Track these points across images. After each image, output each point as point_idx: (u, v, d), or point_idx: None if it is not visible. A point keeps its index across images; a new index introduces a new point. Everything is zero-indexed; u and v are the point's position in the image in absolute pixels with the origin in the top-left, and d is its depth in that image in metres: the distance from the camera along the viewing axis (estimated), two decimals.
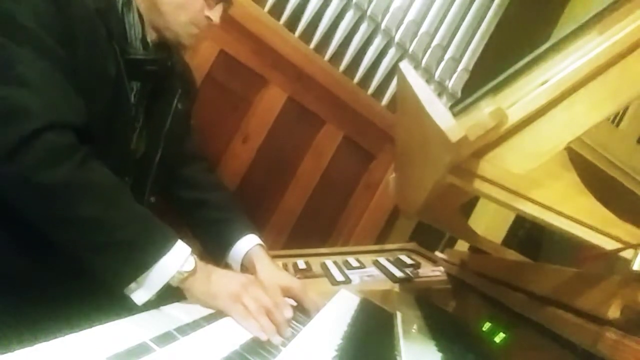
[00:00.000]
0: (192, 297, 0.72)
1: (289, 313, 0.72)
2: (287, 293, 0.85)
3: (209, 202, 1.06)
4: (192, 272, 0.71)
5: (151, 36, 0.89)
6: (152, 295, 0.69)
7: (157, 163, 0.94)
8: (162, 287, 0.69)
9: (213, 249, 1.02)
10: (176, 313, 0.64)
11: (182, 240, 0.73)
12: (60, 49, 0.73)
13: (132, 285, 0.68)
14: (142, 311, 0.60)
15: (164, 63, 0.91)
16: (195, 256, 0.73)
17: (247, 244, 0.99)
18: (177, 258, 0.70)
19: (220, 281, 0.72)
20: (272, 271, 0.94)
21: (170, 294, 0.78)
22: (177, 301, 0.68)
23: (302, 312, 0.84)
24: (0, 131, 0.65)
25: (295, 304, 0.84)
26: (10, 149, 0.64)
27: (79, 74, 0.74)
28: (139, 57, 0.85)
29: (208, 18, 0.90)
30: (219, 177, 1.20)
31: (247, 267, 0.98)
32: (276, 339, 0.64)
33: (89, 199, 0.68)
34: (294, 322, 0.73)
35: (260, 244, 1.01)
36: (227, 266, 1.01)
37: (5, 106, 0.66)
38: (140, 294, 0.68)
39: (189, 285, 0.71)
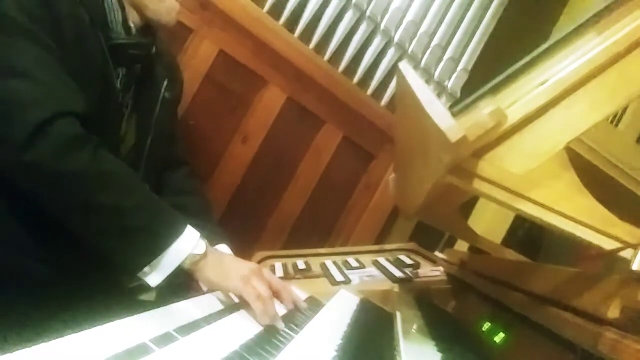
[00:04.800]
0: (203, 278, 0.75)
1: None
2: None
3: (186, 207, 1.06)
4: (204, 256, 0.74)
5: (134, 20, 0.88)
6: (165, 277, 0.72)
7: (148, 150, 0.95)
8: (175, 270, 0.72)
9: None
10: (176, 314, 0.63)
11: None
12: (50, 41, 0.73)
13: (146, 269, 0.71)
14: (142, 312, 0.59)
15: (147, 48, 0.91)
16: (206, 240, 0.76)
17: None
18: (189, 242, 0.73)
19: (232, 264, 0.76)
20: None
21: (171, 293, 0.78)
22: (177, 301, 0.68)
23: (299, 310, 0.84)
24: (9, 124, 0.66)
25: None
26: (23, 139, 0.65)
27: (70, 66, 0.74)
28: (122, 41, 0.84)
29: None
30: (200, 183, 1.24)
31: None
32: (279, 325, 0.68)
33: (105, 187, 0.70)
34: (292, 324, 0.73)
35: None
36: None
37: (8, 99, 0.67)
38: (154, 277, 0.72)
39: (201, 267, 0.74)
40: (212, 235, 1.02)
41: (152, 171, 0.98)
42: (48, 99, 0.69)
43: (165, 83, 0.98)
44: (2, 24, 0.70)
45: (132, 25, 0.87)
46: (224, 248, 1.02)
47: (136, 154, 0.93)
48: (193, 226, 0.98)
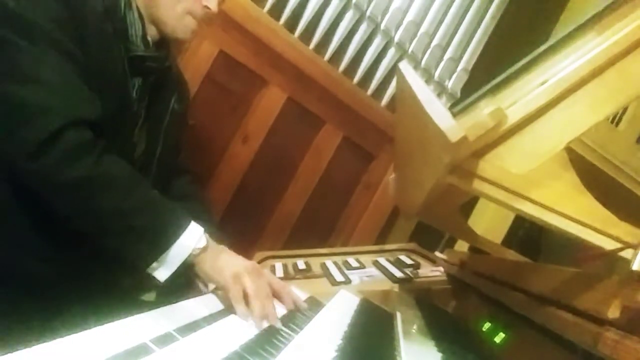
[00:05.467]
0: (201, 271, 0.77)
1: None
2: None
3: (188, 210, 1.08)
4: (204, 249, 0.77)
5: (151, 34, 0.91)
6: (172, 272, 0.75)
7: (158, 157, 0.98)
8: (181, 264, 0.75)
9: None
10: (175, 314, 0.63)
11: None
12: (74, 48, 0.75)
13: (154, 264, 0.73)
14: (142, 312, 0.60)
15: (162, 61, 0.94)
16: (207, 235, 0.78)
17: None
18: (192, 237, 0.76)
19: (227, 259, 0.78)
20: None
21: (171, 293, 0.78)
22: (177, 301, 0.69)
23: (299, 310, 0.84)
24: (21, 130, 0.68)
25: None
26: (33, 148, 0.67)
27: (91, 74, 0.77)
28: (140, 53, 0.87)
29: (206, 7, 0.92)
30: (201, 189, 1.27)
31: None
32: (262, 325, 0.67)
33: (110, 190, 0.73)
34: (292, 324, 0.73)
35: None
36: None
37: (23, 105, 0.69)
38: (161, 271, 0.74)
39: (200, 260, 0.77)
40: (211, 237, 1.05)
41: (161, 177, 1.01)
42: (62, 107, 0.71)
43: (175, 95, 1.02)
44: (27, 30, 0.71)
45: (149, 39, 0.90)
46: None
47: (146, 161, 0.96)
48: None
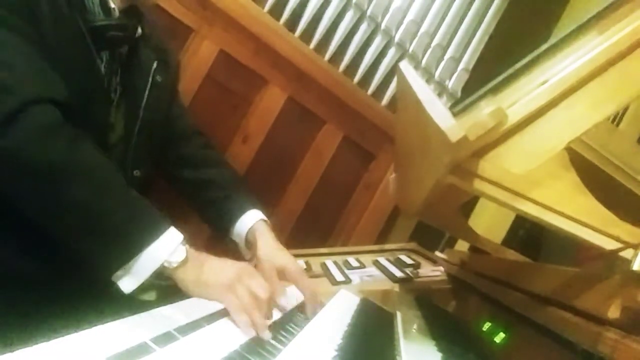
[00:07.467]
0: (185, 287, 0.70)
1: (284, 302, 0.73)
2: (282, 275, 0.86)
3: (211, 180, 1.04)
4: (183, 262, 0.69)
5: (115, 1, 0.84)
6: (139, 283, 0.67)
7: (136, 135, 0.90)
8: (150, 276, 0.67)
9: (217, 228, 1.03)
10: (176, 313, 0.63)
11: (176, 228, 0.70)
12: (30, 29, 0.70)
13: (119, 272, 0.66)
14: (142, 311, 0.59)
15: (129, 29, 0.86)
16: (187, 245, 0.71)
17: (250, 219, 0.99)
18: (166, 246, 0.68)
19: (213, 270, 0.70)
20: (271, 249, 0.94)
21: (171, 293, 0.78)
22: (177, 301, 0.68)
23: (301, 309, 0.84)
24: None
25: (290, 286, 0.85)
26: None
27: (47, 51, 0.71)
28: (100, 23, 0.79)
29: None
30: (219, 153, 1.18)
31: (251, 242, 0.99)
32: (266, 335, 0.62)
33: (80, 181, 0.66)
34: (292, 324, 0.73)
35: (263, 219, 1.00)
36: (232, 243, 1.02)
37: None
38: (127, 281, 0.67)
39: (181, 276, 0.69)
40: (243, 203, 1.01)
41: (140, 160, 0.93)
42: (23, 86, 0.66)
43: (155, 65, 0.93)
44: None
45: (113, 6, 0.83)
46: (255, 214, 1.00)
47: (125, 140, 0.89)
48: (222, 198, 0.93)
